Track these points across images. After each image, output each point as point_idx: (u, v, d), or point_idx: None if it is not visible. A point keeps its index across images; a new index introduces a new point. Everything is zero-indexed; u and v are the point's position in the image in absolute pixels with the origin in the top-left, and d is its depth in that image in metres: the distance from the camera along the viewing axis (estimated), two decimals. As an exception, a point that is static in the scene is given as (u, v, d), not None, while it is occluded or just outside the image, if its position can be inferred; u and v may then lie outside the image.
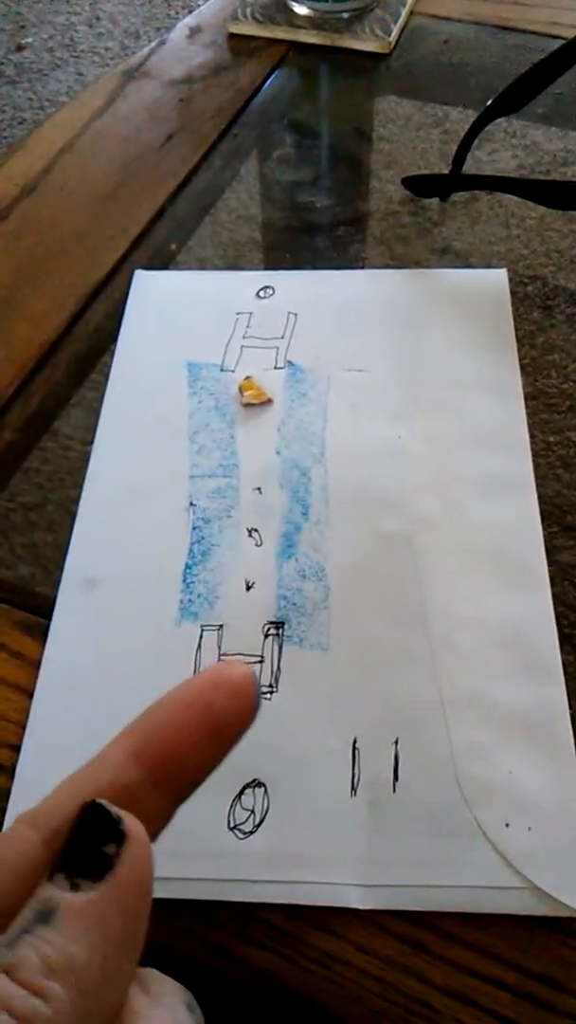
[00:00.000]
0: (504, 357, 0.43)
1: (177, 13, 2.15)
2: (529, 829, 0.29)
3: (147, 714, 0.19)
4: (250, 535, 0.37)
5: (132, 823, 0.17)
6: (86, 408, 0.42)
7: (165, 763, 0.18)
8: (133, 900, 0.16)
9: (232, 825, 0.30)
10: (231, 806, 0.30)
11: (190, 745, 0.19)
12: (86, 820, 0.17)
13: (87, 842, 0.16)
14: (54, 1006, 0.15)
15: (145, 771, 0.18)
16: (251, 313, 0.45)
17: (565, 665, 0.33)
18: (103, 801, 0.17)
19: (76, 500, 0.39)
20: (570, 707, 0.32)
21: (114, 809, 0.17)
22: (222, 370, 0.43)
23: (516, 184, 0.49)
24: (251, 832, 0.29)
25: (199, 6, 0.67)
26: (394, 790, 0.30)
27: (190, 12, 0.75)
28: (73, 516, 0.38)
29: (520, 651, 0.33)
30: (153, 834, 0.18)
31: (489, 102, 0.50)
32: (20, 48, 2.09)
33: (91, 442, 0.41)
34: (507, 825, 0.29)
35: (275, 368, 0.43)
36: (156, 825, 0.19)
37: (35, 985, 0.15)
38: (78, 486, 0.39)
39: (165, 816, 0.19)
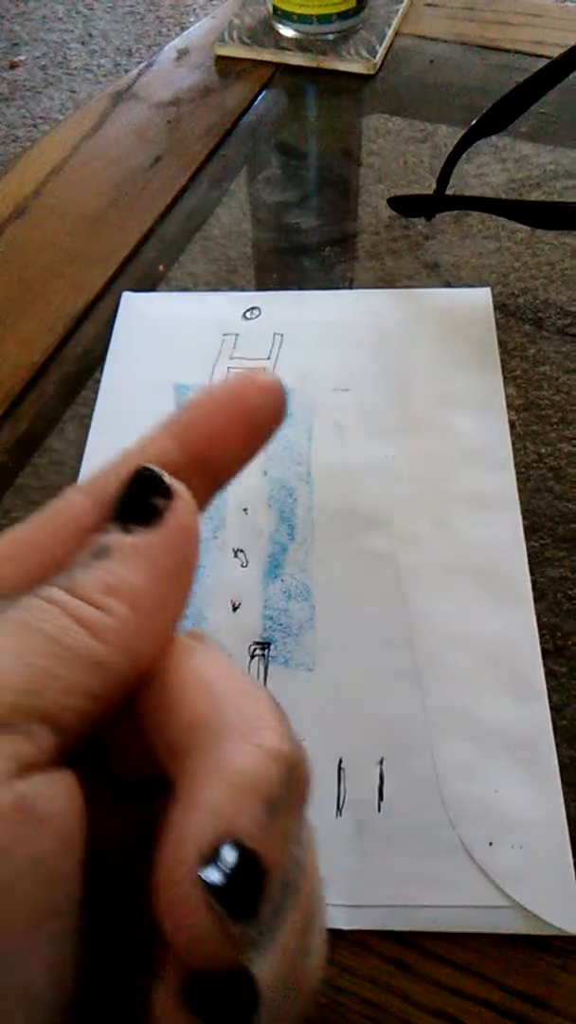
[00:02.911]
0: (488, 375, 0.43)
1: (169, 31, 2.17)
2: (512, 848, 0.29)
3: (187, 407, 0.20)
4: (236, 556, 0.37)
5: (179, 484, 0.18)
6: (75, 428, 0.43)
7: (206, 448, 0.19)
8: (182, 543, 0.17)
9: (218, 846, 0.30)
10: (217, 827, 0.30)
11: (229, 436, 0.19)
12: (136, 480, 0.18)
13: (138, 496, 0.18)
14: (116, 620, 0.16)
15: (187, 455, 0.19)
16: (237, 334, 0.46)
17: (549, 681, 0.33)
18: (152, 465, 0.18)
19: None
20: (554, 725, 0.32)
21: (162, 472, 0.18)
22: (209, 391, 0.43)
23: (501, 204, 0.50)
24: (237, 853, 0.30)
25: (191, 24, 0.68)
26: (379, 810, 0.30)
27: (183, 29, 0.76)
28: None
29: (504, 669, 0.33)
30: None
31: (474, 121, 0.50)
32: (13, 66, 2.10)
33: (80, 461, 0.41)
34: (491, 844, 0.29)
35: (262, 388, 0.43)
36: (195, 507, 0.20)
37: (96, 600, 0.16)
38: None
39: (202, 501, 0.19)
